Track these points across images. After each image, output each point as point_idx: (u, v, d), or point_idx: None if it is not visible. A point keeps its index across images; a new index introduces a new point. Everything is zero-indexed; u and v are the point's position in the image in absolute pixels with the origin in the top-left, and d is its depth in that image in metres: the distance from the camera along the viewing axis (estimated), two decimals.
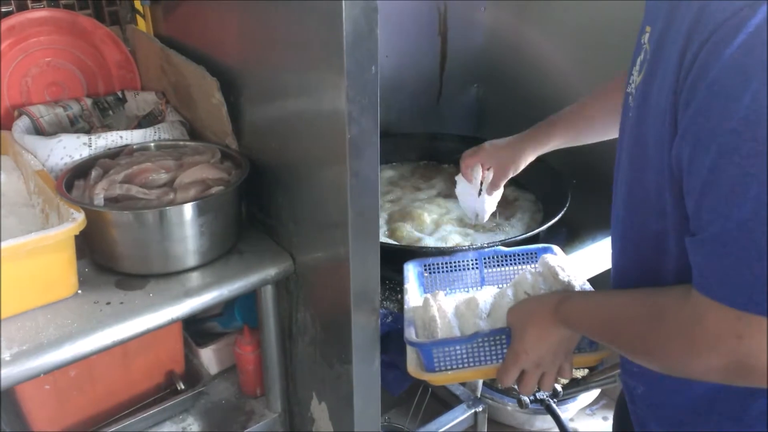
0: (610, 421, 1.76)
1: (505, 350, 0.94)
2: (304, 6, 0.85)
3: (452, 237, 1.40)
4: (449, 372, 0.96)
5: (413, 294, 1.12)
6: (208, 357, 1.27)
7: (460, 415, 1.25)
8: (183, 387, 1.19)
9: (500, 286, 1.16)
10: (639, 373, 0.85)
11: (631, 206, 0.79)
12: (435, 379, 0.97)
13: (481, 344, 0.95)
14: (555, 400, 1.23)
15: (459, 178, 1.37)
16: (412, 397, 1.56)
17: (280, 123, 1.04)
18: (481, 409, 1.26)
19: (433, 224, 1.45)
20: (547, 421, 1.67)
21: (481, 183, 1.33)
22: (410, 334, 0.99)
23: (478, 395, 1.31)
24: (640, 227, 0.78)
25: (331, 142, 0.89)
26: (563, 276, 1.01)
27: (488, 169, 1.31)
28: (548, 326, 0.87)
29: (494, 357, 0.96)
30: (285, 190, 1.07)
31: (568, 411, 1.64)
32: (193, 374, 1.23)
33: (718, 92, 0.59)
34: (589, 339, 0.95)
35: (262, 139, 1.12)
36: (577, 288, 1.01)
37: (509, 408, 1.64)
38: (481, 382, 1.35)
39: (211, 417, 1.20)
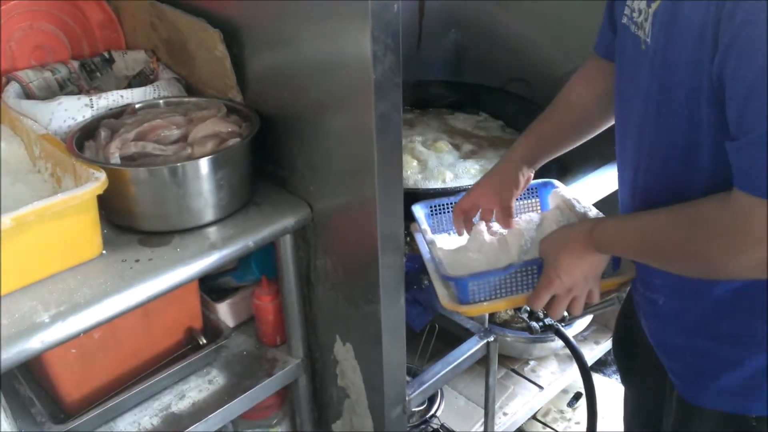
0: (601, 346, 1.86)
1: (535, 280, 0.99)
2: None
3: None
4: (484, 303, 1.00)
5: (431, 234, 1.15)
6: (225, 311, 1.28)
7: (474, 346, 1.30)
8: (204, 342, 1.21)
9: None
10: (661, 284, 0.90)
11: (659, 126, 0.82)
12: (469, 310, 1.01)
13: (514, 275, 0.99)
14: (563, 324, 1.30)
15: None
16: (418, 337, 1.61)
17: (290, 71, 1.04)
18: (492, 339, 1.31)
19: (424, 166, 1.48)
20: (544, 350, 1.75)
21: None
22: (444, 269, 1.02)
23: (487, 326, 1.37)
24: (668, 146, 0.81)
25: (353, 85, 0.90)
26: (579, 207, 1.06)
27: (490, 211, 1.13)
28: (582, 251, 0.90)
29: (525, 286, 1.00)
30: (298, 139, 1.08)
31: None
32: (211, 329, 1.25)
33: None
34: (611, 264, 0.99)
35: (269, 90, 1.11)
36: (592, 216, 1.06)
37: (508, 339, 1.72)
38: (487, 314, 1.41)
39: (234, 368, 1.23)
